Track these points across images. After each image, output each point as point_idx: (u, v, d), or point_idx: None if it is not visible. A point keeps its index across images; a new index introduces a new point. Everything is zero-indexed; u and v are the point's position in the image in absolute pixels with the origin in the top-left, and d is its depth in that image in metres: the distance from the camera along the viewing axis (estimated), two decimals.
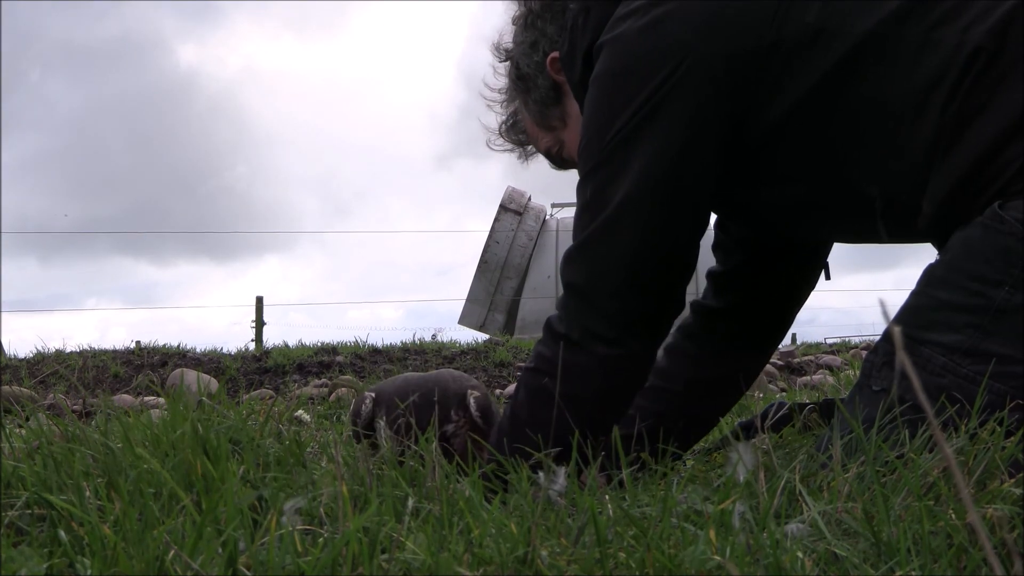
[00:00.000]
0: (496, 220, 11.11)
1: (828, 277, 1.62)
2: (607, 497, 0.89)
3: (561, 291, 1.34)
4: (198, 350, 5.96)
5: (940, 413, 1.04)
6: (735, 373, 1.60)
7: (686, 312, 1.65)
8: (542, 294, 10.55)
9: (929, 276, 1.18)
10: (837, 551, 0.75)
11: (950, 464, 0.40)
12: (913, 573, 0.71)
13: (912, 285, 1.19)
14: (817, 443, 1.20)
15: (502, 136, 1.64)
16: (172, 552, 0.74)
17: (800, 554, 0.72)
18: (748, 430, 1.53)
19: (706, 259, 1.54)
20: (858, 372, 1.63)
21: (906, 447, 0.97)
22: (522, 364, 4.08)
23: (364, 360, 5.56)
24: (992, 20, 1.13)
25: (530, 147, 1.63)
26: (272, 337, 10.16)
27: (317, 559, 0.72)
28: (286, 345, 6.23)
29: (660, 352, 1.59)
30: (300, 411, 2.67)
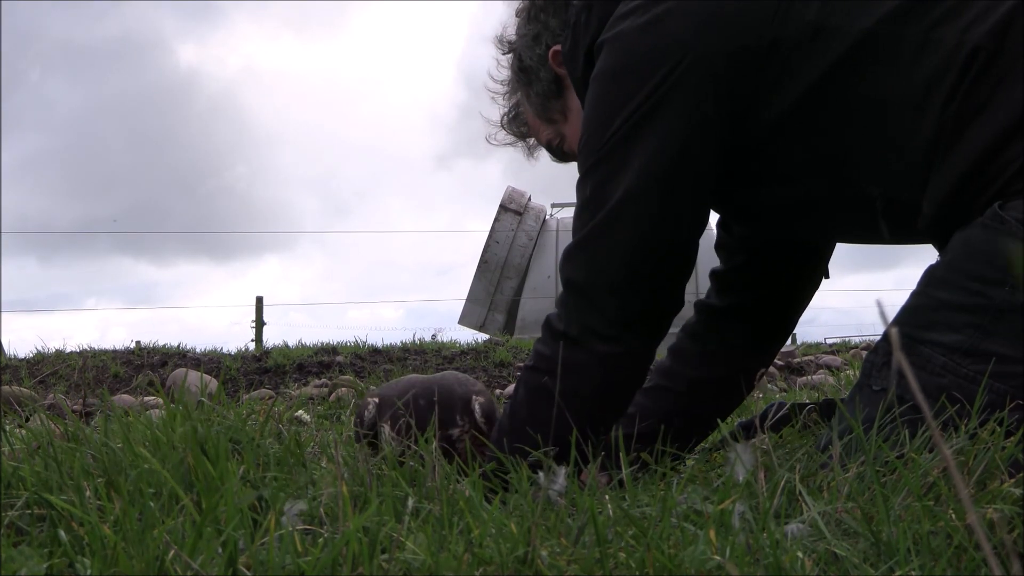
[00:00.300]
0: (496, 220, 11.10)
1: (827, 276, 1.62)
2: (607, 497, 0.89)
3: (560, 290, 1.35)
4: (198, 350, 5.98)
5: (940, 413, 1.04)
6: (738, 373, 1.60)
7: (690, 312, 1.65)
8: (542, 294, 10.55)
9: (929, 276, 1.18)
10: (837, 551, 0.75)
11: (949, 464, 0.40)
12: (913, 573, 0.71)
13: (912, 285, 1.19)
14: (817, 443, 1.20)
15: (504, 128, 1.64)
16: (172, 552, 0.74)
17: (800, 554, 0.72)
18: (748, 430, 1.52)
19: (708, 259, 1.54)
20: (858, 372, 1.63)
21: (906, 447, 0.97)
22: (522, 364, 4.08)
23: (364, 360, 5.56)
24: (992, 20, 1.13)
25: (531, 140, 1.64)
26: (272, 337, 10.19)
27: (317, 559, 0.72)
28: (286, 345, 6.25)
29: (663, 352, 1.59)
30: (300, 411, 2.67)
